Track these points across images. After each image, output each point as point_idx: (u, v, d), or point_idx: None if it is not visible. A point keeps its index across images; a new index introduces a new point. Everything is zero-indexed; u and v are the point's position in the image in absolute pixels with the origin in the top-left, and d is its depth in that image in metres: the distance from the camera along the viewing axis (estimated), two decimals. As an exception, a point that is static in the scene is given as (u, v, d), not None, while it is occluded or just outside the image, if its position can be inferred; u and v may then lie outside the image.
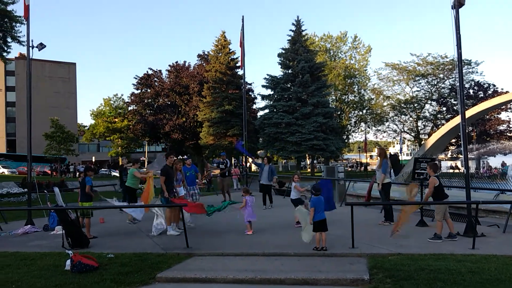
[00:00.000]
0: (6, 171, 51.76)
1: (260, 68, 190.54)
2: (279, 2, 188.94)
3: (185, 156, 15.89)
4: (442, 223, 9.16)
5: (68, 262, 7.47)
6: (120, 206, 13.05)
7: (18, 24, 28.13)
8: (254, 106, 56.69)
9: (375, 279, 6.48)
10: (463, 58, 10.39)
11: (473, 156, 44.85)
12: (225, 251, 8.58)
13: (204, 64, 57.19)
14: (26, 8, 13.15)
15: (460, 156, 50.21)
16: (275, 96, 48.22)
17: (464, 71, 48.96)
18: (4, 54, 29.63)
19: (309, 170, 63.98)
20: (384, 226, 11.17)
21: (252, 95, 55.97)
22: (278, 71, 70.56)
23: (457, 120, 33.71)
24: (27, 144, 13.47)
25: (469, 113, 33.59)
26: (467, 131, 11.07)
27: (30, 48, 13.71)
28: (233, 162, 54.26)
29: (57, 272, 7.34)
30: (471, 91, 57.16)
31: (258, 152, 54.35)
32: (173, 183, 11.08)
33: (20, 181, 27.74)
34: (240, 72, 50.39)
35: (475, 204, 9.03)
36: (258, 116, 51.86)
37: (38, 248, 9.54)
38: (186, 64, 60.35)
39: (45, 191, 16.45)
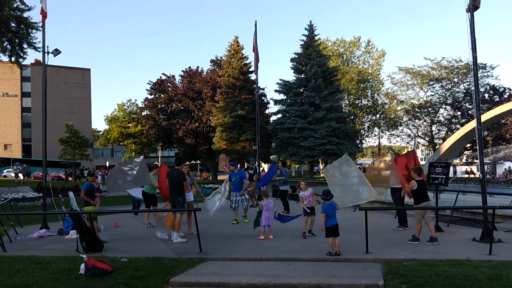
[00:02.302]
0: (21, 176, 52.28)
1: (273, 73, 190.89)
2: (292, 7, 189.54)
3: (233, 162, 14.17)
4: (421, 226, 9.54)
5: (82, 266, 7.52)
6: (134, 211, 13.11)
7: (33, 31, 28.46)
8: (267, 111, 56.63)
9: (390, 285, 6.41)
10: (478, 61, 10.28)
11: (488, 161, 44.27)
12: (239, 256, 8.56)
13: (217, 69, 57.37)
14: (44, 15, 13.29)
15: (476, 160, 49.60)
16: (288, 101, 48.09)
17: (479, 75, 48.30)
18: (20, 60, 30.03)
19: (322, 175, 63.71)
20: (398, 231, 11.09)
21: (265, 100, 55.95)
22: (291, 76, 70.55)
23: (472, 124, 33.32)
24: (42, 149, 13.61)
25: (484, 117, 33.18)
26: (482, 135, 10.93)
27: (46, 54, 13.90)
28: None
29: (72, 276, 7.39)
30: (486, 95, 56.47)
31: (271, 157, 54.20)
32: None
33: (35, 185, 28.00)
34: (253, 77, 50.55)
35: (491, 209, 8.91)
36: (271, 121, 51.76)
37: (52, 252, 9.62)
38: (199, 69, 60.67)
39: (59, 195, 16.65)
